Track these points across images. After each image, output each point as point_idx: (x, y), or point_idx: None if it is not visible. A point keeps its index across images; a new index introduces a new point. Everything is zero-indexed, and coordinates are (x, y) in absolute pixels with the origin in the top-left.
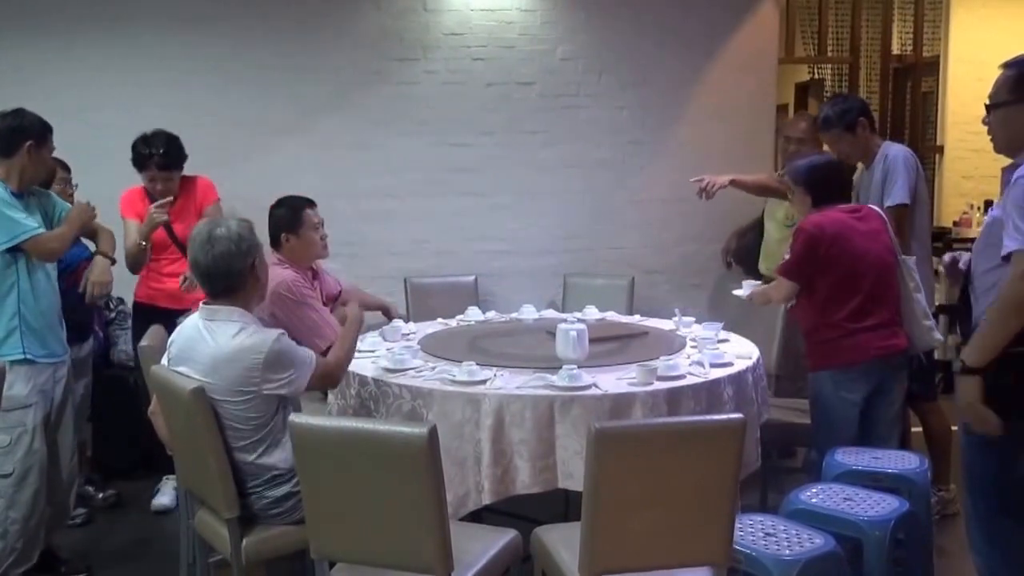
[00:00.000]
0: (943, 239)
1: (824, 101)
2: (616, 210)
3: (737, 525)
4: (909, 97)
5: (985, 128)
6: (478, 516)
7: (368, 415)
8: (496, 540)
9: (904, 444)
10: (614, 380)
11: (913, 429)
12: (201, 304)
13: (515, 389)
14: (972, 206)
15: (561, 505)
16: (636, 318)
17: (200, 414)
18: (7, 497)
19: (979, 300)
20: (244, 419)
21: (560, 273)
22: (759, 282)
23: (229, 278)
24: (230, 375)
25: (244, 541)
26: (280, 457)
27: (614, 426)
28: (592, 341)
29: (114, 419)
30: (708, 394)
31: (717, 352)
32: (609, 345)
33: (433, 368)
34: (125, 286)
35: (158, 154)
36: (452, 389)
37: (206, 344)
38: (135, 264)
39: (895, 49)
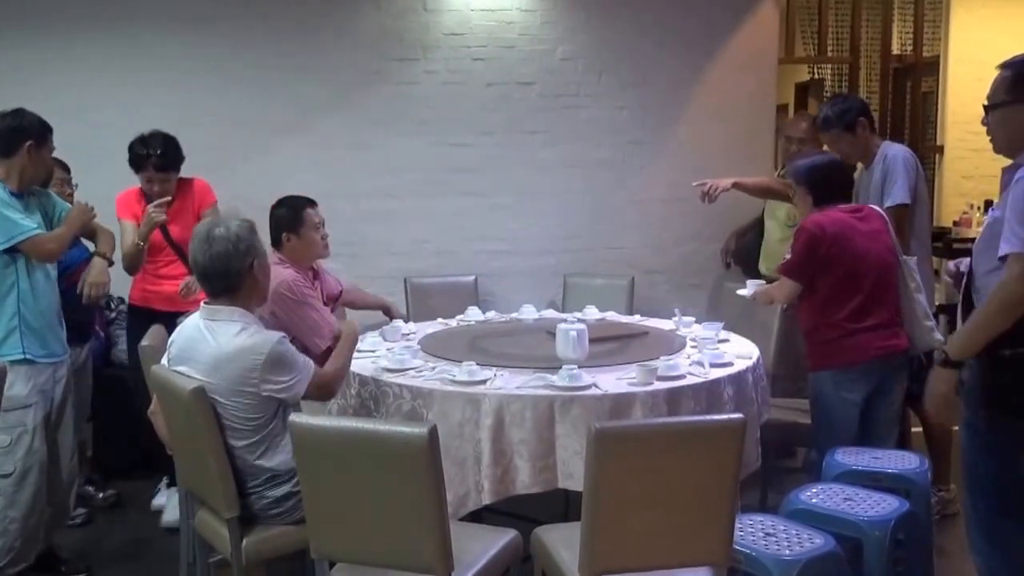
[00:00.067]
0: (943, 239)
1: (824, 101)
2: (616, 210)
3: (737, 525)
4: (909, 97)
5: (985, 128)
6: (478, 516)
7: (368, 415)
8: (496, 540)
9: (904, 444)
10: (614, 380)
11: (913, 429)
12: (202, 304)
13: (515, 389)
14: (972, 206)
15: (561, 505)
16: (636, 318)
17: (200, 414)
18: (7, 496)
19: (981, 300)
20: (244, 419)
21: (560, 273)
22: (763, 282)
23: (227, 278)
24: (230, 375)
25: (244, 541)
26: (280, 459)
27: (614, 426)
28: (592, 341)
29: (114, 419)
30: (708, 394)
31: (717, 352)
32: (609, 345)
33: (433, 368)
34: (123, 287)
35: (155, 155)
36: (452, 389)
37: (207, 344)
38: (132, 265)
39: (895, 49)
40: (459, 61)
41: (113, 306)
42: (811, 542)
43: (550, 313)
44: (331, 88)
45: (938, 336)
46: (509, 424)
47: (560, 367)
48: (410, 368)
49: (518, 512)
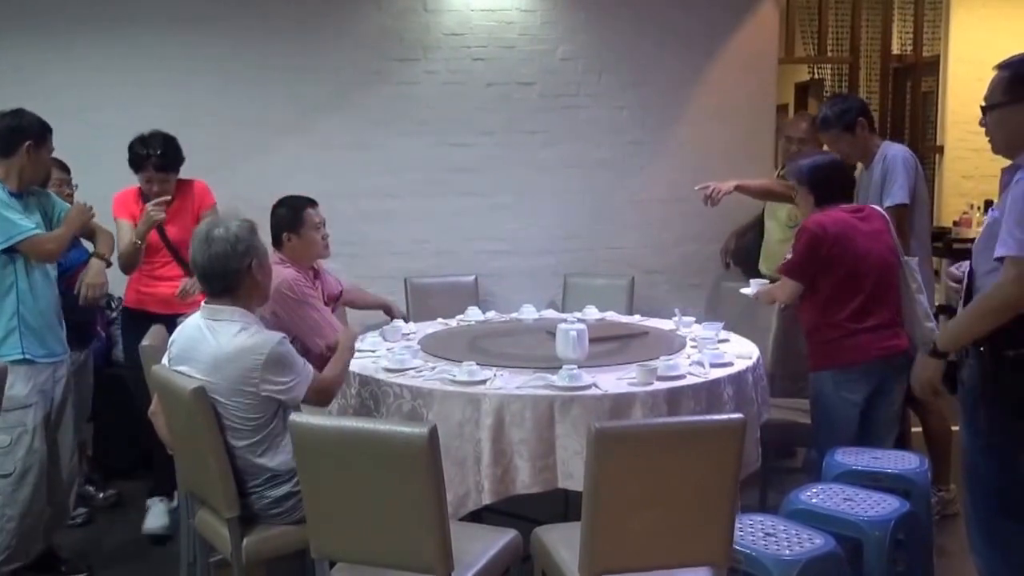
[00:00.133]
0: (943, 239)
1: (824, 101)
2: (616, 210)
3: (737, 525)
4: (909, 97)
5: (983, 129)
6: (478, 516)
7: (368, 415)
8: (496, 540)
9: (904, 444)
10: (614, 380)
11: (913, 429)
12: (203, 303)
13: (515, 389)
14: (972, 206)
15: (561, 505)
16: (636, 318)
17: (201, 414)
18: (5, 495)
19: None
20: (244, 419)
21: (560, 273)
22: (766, 281)
23: (226, 278)
24: (230, 374)
25: (244, 541)
26: (280, 459)
27: (614, 426)
28: (592, 341)
29: (115, 419)
30: (708, 394)
31: (717, 352)
32: (609, 345)
33: (433, 368)
34: (123, 287)
35: (155, 155)
36: (452, 389)
37: (208, 343)
38: (128, 264)
39: (895, 49)
40: (459, 61)
41: (114, 306)
42: (811, 542)
43: (550, 313)
44: (331, 88)
45: None
46: (509, 424)
47: (560, 367)
48: (410, 368)
49: (518, 512)
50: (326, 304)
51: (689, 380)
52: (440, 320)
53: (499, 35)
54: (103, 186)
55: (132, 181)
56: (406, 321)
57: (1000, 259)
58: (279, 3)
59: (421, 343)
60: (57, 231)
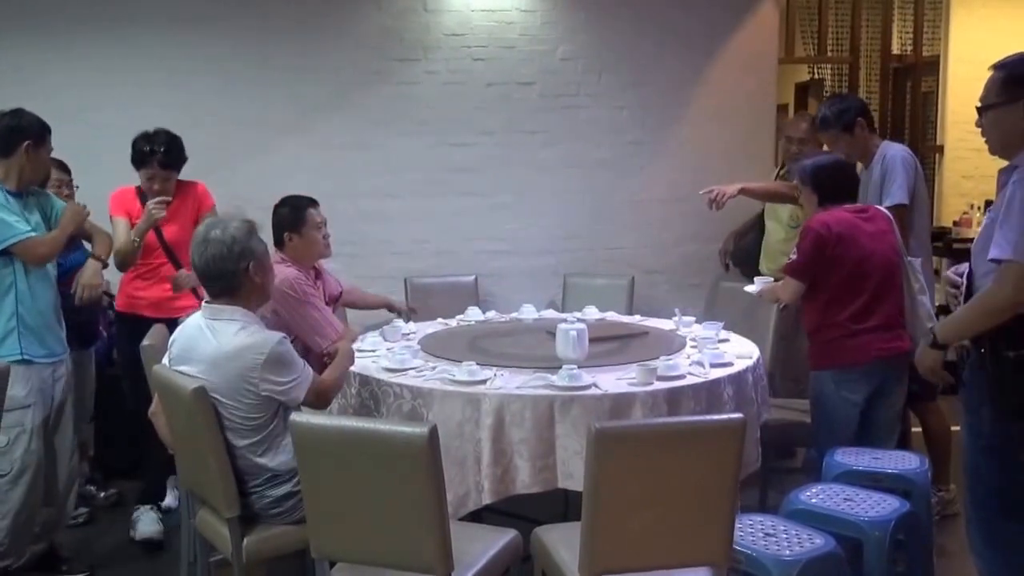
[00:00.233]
0: (943, 239)
1: (823, 101)
2: (616, 210)
3: (737, 525)
4: (909, 97)
5: (980, 130)
6: (478, 516)
7: (368, 415)
8: (496, 540)
9: (904, 444)
10: (614, 380)
11: (913, 429)
12: (203, 303)
13: (515, 389)
14: (972, 206)
15: (561, 505)
16: (636, 318)
17: (201, 414)
18: (0, 494)
19: None
20: (244, 419)
21: (560, 273)
22: (771, 279)
23: (222, 280)
24: (230, 373)
25: (245, 540)
26: (281, 459)
27: (614, 426)
28: (592, 341)
29: (116, 419)
30: (708, 394)
31: (717, 352)
32: (609, 345)
33: (433, 368)
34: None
35: (160, 152)
36: (452, 389)
37: (208, 342)
38: (123, 262)
39: (895, 49)
40: (459, 61)
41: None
42: (811, 542)
43: (550, 313)
44: (331, 88)
45: None
46: (509, 424)
47: (560, 367)
48: (410, 368)
49: (518, 512)
50: (327, 304)
51: (689, 380)
52: (440, 320)
53: (499, 35)
54: (103, 186)
55: (131, 181)
56: (411, 312)
57: (996, 260)
58: (279, 3)
59: (421, 343)
60: (51, 234)
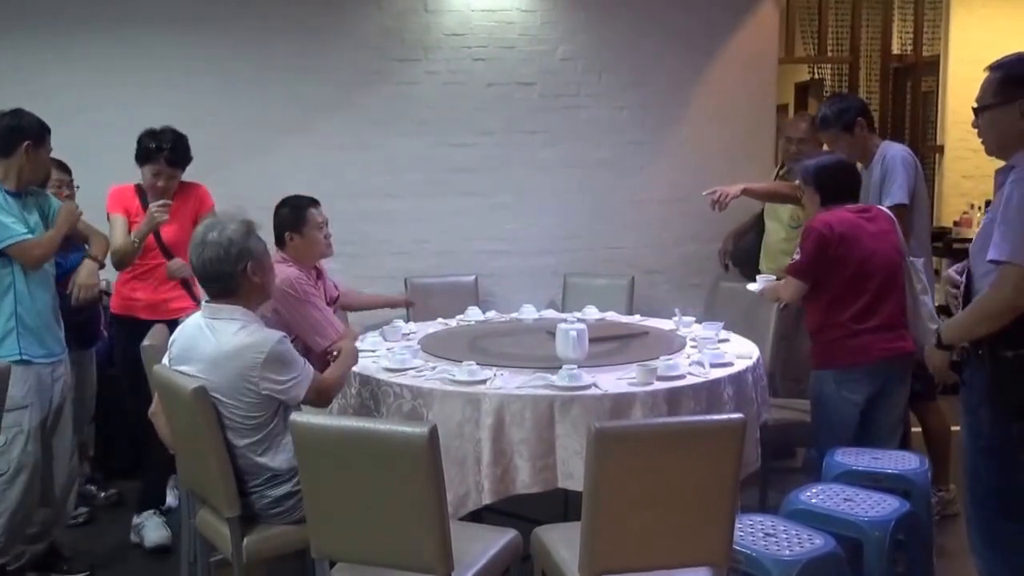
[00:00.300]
0: (943, 239)
1: (824, 101)
2: (616, 210)
3: (737, 525)
4: (909, 97)
5: (976, 131)
6: (478, 516)
7: (368, 415)
8: (496, 540)
9: (904, 444)
10: (614, 380)
11: (913, 429)
12: (203, 303)
13: (515, 389)
14: (972, 206)
15: (561, 505)
16: (636, 318)
17: (201, 413)
18: None
19: None
20: (245, 418)
21: (560, 273)
22: (773, 277)
23: (220, 282)
24: (231, 372)
25: (245, 540)
26: (282, 459)
27: (614, 426)
28: (592, 341)
29: (116, 419)
30: (708, 394)
31: (717, 352)
32: (609, 345)
33: (433, 368)
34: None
35: (167, 148)
36: (452, 389)
37: (208, 341)
38: (121, 262)
39: (895, 49)
40: (460, 61)
41: None
42: (811, 542)
43: (550, 313)
44: (332, 88)
45: None
46: (509, 424)
47: (560, 367)
48: (410, 368)
49: (518, 512)
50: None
51: (689, 380)
52: (440, 320)
53: (499, 35)
54: (103, 187)
55: (133, 180)
56: (408, 312)
57: (995, 262)
58: (279, 3)
59: (421, 343)
60: (47, 235)
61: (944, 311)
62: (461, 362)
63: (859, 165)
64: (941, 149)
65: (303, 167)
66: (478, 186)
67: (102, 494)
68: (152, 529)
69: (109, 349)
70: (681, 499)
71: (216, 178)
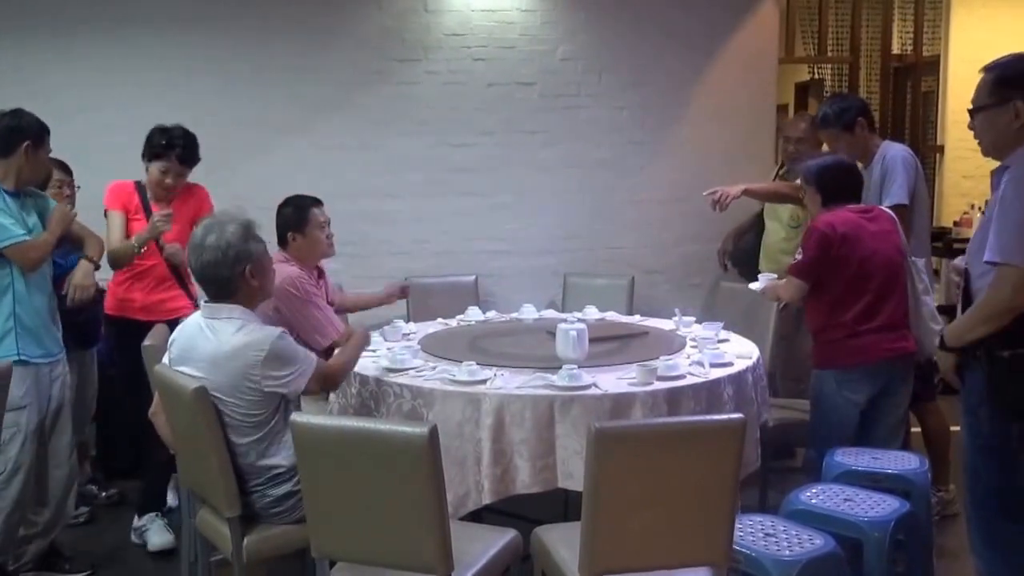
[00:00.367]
0: (943, 239)
1: (824, 100)
2: (616, 210)
3: (737, 525)
4: (909, 97)
5: (972, 132)
6: (478, 516)
7: (368, 415)
8: (496, 540)
9: (904, 444)
10: (614, 380)
11: (913, 429)
12: (202, 303)
13: (515, 389)
14: (973, 206)
15: (561, 505)
16: (636, 318)
17: (202, 413)
18: None
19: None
20: (246, 416)
21: (560, 273)
22: (775, 276)
23: (218, 284)
24: (231, 371)
25: (245, 540)
26: (284, 455)
27: (614, 426)
28: (592, 341)
29: (117, 419)
30: (708, 394)
31: (717, 352)
32: (609, 345)
33: (433, 368)
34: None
35: (180, 146)
36: (452, 389)
37: (208, 341)
38: (117, 263)
39: (895, 49)
40: (460, 61)
41: None
42: (811, 542)
43: (550, 313)
44: (332, 88)
45: None
46: (509, 424)
47: (560, 367)
48: (410, 368)
49: (518, 512)
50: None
51: (689, 380)
52: (440, 320)
53: (499, 35)
54: (103, 187)
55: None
56: (404, 292)
57: (991, 263)
58: (279, 3)
59: (421, 343)
60: (41, 238)
61: (942, 311)
62: (461, 362)
63: (859, 165)
64: (941, 149)
65: (303, 167)
66: (478, 186)
67: (103, 494)
68: (155, 533)
69: (110, 349)
70: (681, 499)
71: (216, 178)
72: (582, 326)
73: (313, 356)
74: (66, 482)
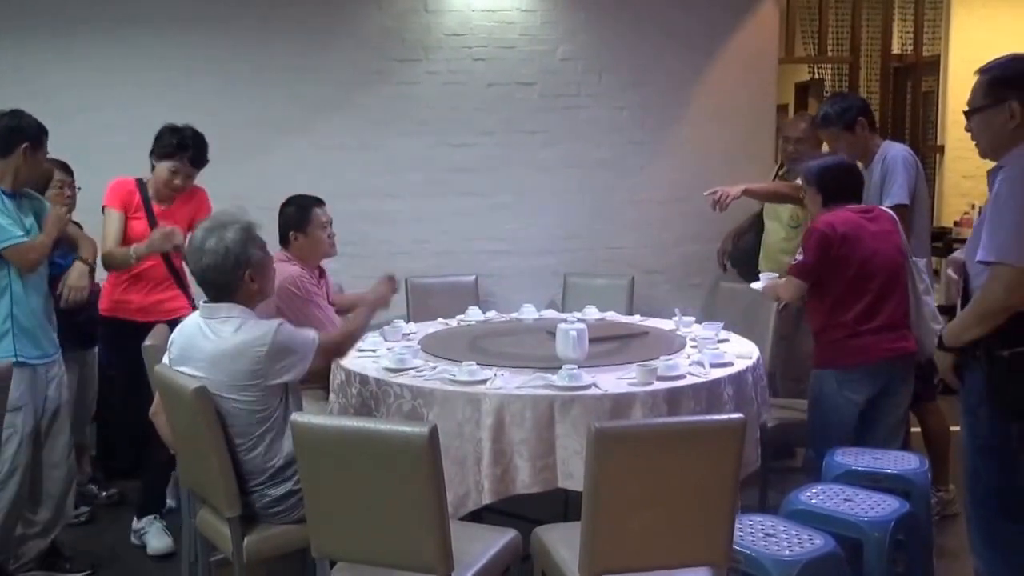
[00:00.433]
0: (943, 239)
1: (825, 100)
2: (616, 210)
3: (737, 525)
4: (909, 97)
5: (969, 134)
6: (478, 516)
7: (369, 414)
8: (496, 540)
9: (904, 444)
10: (614, 380)
11: (913, 429)
12: (202, 303)
13: (515, 389)
14: (973, 206)
15: (561, 505)
16: (636, 318)
17: (202, 413)
18: None
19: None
20: (248, 413)
21: (560, 273)
22: (776, 275)
23: (218, 287)
24: (234, 370)
25: (245, 540)
26: (288, 449)
27: (614, 426)
28: (592, 341)
29: (117, 419)
30: (708, 394)
31: (717, 352)
32: (609, 345)
33: (434, 368)
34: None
35: (192, 147)
36: (452, 389)
37: (207, 341)
38: (111, 266)
39: (895, 49)
40: (460, 61)
41: None
42: (811, 542)
43: (550, 313)
44: (332, 88)
45: None
46: (509, 424)
47: (560, 367)
48: (410, 368)
49: (518, 512)
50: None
51: (689, 380)
52: (440, 320)
53: (499, 35)
54: (103, 187)
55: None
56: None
57: (984, 263)
58: (279, 3)
59: (421, 343)
60: (38, 240)
61: (943, 310)
62: (461, 362)
63: (859, 165)
64: (941, 149)
65: (303, 167)
66: (478, 186)
67: (103, 493)
68: (154, 536)
69: (106, 350)
70: (681, 499)
71: (216, 178)
72: (582, 326)
73: (313, 334)
74: (64, 482)
